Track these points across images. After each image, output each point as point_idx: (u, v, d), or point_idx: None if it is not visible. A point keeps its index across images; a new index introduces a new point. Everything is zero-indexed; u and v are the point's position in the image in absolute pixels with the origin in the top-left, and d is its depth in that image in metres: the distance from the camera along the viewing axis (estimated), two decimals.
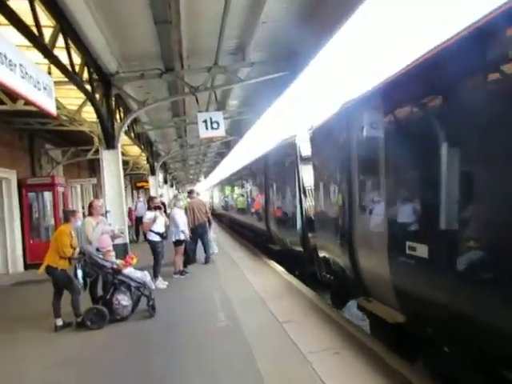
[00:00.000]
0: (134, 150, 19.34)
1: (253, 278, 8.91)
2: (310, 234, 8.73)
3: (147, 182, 20.68)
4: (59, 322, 6.43)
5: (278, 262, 10.51)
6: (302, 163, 9.07)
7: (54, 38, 5.21)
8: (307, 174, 8.57)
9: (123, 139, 15.92)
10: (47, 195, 13.93)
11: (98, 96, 7.92)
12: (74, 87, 7.74)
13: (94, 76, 7.85)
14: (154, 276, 8.83)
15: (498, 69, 3.06)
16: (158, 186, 17.94)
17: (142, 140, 14.56)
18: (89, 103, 7.93)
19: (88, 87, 7.35)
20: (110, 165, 8.20)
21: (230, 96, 12.01)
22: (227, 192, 24.88)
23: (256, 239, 14.60)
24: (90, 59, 7.05)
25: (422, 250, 3.87)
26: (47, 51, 4.91)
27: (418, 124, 4.15)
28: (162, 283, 8.88)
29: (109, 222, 7.99)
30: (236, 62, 8.67)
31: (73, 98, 9.23)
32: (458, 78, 3.39)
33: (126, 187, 33.60)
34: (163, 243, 9.09)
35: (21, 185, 12.87)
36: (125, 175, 29.62)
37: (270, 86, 11.32)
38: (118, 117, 9.16)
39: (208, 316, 6.47)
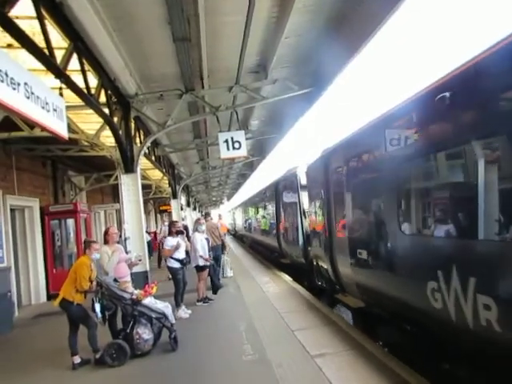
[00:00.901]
0: (156, 174, 19.22)
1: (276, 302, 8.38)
2: (309, 248, 10.47)
3: (170, 205, 20.47)
4: (77, 360, 6.02)
5: (289, 275, 12.40)
6: (302, 190, 11.03)
7: (66, 58, 4.97)
8: (306, 199, 10.51)
9: (144, 163, 15.85)
10: (70, 222, 13.79)
11: (116, 119, 7.70)
12: (93, 112, 7.59)
13: (113, 99, 7.65)
14: (176, 305, 8.41)
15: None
16: (179, 209, 17.67)
17: (163, 163, 14.36)
18: (107, 127, 7.69)
19: (106, 110, 7.12)
20: (130, 189, 7.87)
21: (252, 116, 11.70)
22: (246, 214, 27.42)
23: (271, 255, 16.97)
24: (106, 81, 6.83)
25: (363, 254, 6.25)
26: (58, 71, 4.64)
27: (362, 171, 6.53)
28: (184, 312, 8.42)
29: (128, 249, 7.64)
30: (258, 80, 8.36)
31: (94, 122, 9.07)
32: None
33: (149, 211, 34.07)
34: (184, 270, 8.66)
35: (43, 212, 12.75)
36: (148, 199, 30.22)
37: (293, 104, 10.99)
38: (137, 140, 8.92)
39: (233, 348, 5.96)
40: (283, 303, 8.67)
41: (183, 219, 19.86)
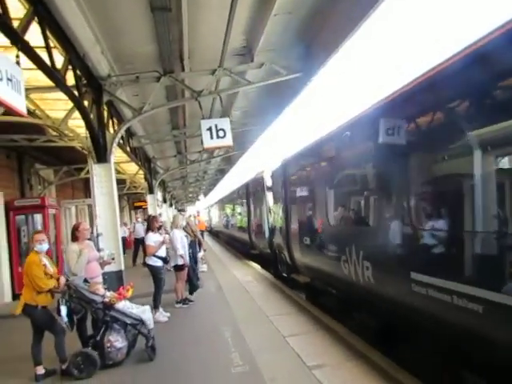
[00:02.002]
0: (131, 168, 18.36)
1: (261, 302, 7.84)
2: (273, 240, 12.01)
3: (145, 201, 19.60)
4: (40, 371, 5.29)
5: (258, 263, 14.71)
6: (267, 191, 12.83)
7: (25, 22, 4.21)
8: (271, 199, 12.58)
9: (119, 156, 14.98)
10: (37, 218, 12.84)
11: (86, 103, 6.92)
12: (62, 97, 6.80)
13: (83, 81, 6.87)
14: (154, 307, 7.72)
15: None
16: (156, 205, 16.85)
17: (139, 156, 13.55)
18: (76, 113, 6.90)
19: (75, 93, 6.34)
20: (102, 181, 7.08)
21: (232, 106, 11.03)
22: (221, 212, 29.69)
23: (243, 248, 19.15)
24: (75, 57, 6.03)
25: (307, 240, 8.20)
26: (15, 36, 3.91)
27: (305, 179, 8.67)
28: (162, 315, 7.76)
29: (101, 246, 6.90)
30: (243, 63, 7.72)
31: (61, 110, 8.24)
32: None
33: (123, 207, 32.89)
34: (165, 269, 8.00)
35: (8, 207, 11.77)
36: (122, 195, 29.10)
37: (278, 92, 10.42)
38: (110, 127, 8.12)
39: (220, 358, 5.37)
40: (270, 305, 8.13)
41: (160, 215, 19.07)
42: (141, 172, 17.07)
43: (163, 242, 7.79)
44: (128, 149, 11.53)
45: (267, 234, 12.68)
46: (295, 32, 7.16)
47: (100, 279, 6.13)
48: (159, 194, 23.97)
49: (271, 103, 11.48)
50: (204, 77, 7.75)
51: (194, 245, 11.19)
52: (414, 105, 4.66)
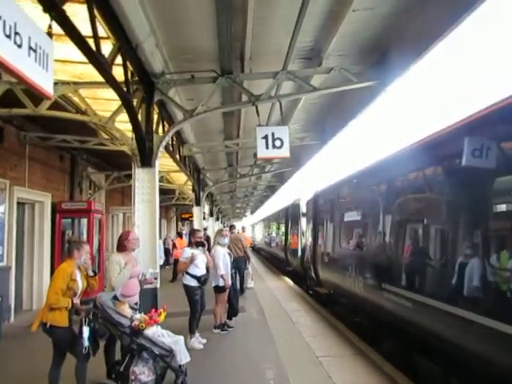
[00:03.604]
0: (181, 179, 18.02)
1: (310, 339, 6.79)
2: (304, 259, 13.88)
3: (192, 212, 19.15)
4: None
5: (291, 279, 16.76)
6: (302, 217, 15.03)
7: None
8: (304, 223, 14.71)
9: (169, 165, 14.59)
10: (83, 222, 12.63)
11: (135, 101, 6.37)
12: (115, 97, 6.27)
13: (135, 77, 6.33)
14: (190, 331, 6.92)
15: None
16: (202, 219, 16.28)
17: (188, 165, 13.05)
18: (124, 112, 6.33)
19: (124, 89, 5.78)
20: (145, 187, 6.42)
21: (290, 118, 10.18)
22: (263, 230, 32.90)
23: (279, 264, 21.37)
24: (125, 46, 5.46)
25: (326, 259, 10.37)
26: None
27: (327, 211, 10.89)
28: (198, 342, 6.92)
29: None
30: (309, 68, 6.89)
31: (108, 111, 7.79)
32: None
33: (171, 218, 32.97)
34: (203, 289, 7.19)
35: (55, 209, 11.60)
36: (171, 205, 29.13)
37: (341, 107, 9.50)
38: (159, 130, 7.55)
39: None
40: (320, 342, 7.06)
41: (205, 229, 18.50)
42: (189, 183, 16.62)
43: (192, 260, 6.93)
44: (178, 157, 11.00)
45: (300, 253, 14.74)
46: (373, 33, 6.25)
47: (136, 298, 5.41)
48: (206, 207, 23.54)
49: (332, 119, 10.57)
50: (264, 80, 6.98)
51: (244, 261, 11.96)
52: None
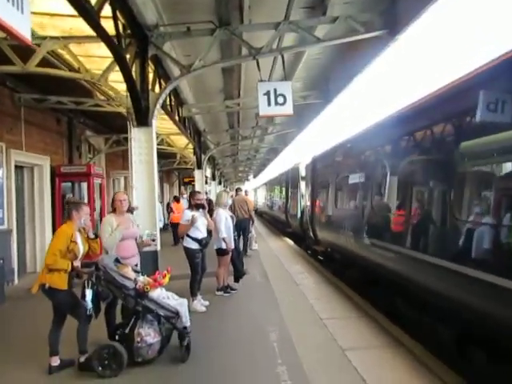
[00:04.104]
0: (181, 142, 17.67)
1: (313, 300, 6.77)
2: (303, 221, 14.58)
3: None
4: (55, 362, 4.56)
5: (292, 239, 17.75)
6: (301, 180, 15.55)
7: None
8: (303, 187, 15.25)
9: (168, 128, 14.24)
10: (84, 186, 12.48)
11: (128, 57, 6.00)
12: (109, 54, 5.89)
13: (127, 30, 5.94)
14: (192, 294, 6.90)
15: None
16: (204, 182, 16.08)
17: (188, 128, 12.71)
18: (117, 68, 5.97)
19: (116, 42, 5.41)
20: (142, 147, 6.15)
21: (291, 76, 9.69)
22: (265, 194, 33.67)
23: (280, 226, 22.47)
24: None
25: (322, 219, 11.46)
26: None
27: (324, 175, 11.70)
28: (200, 304, 6.90)
29: (137, 222, 6.09)
30: (313, 17, 6.45)
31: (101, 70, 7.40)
32: None
33: (173, 182, 32.84)
34: (204, 252, 7.11)
35: (54, 173, 11.43)
36: (172, 169, 28.88)
37: (345, 63, 9.05)
38: (156, 87, 7.19)
39: (262, 370, 4.38)
40: (324, 304, 7.04)
41: (207, 193, 18.37)
42: (190, 146, 16.30)
43: (193, 222, 6.80)
44: (177, 118, 10.66)
45: (299, 215, 15.45)
46: None
47: (135, 260, 5.32)
48: (208, 171, 23.33)
49: (337, 75, 10.12)
50: (265, 32, 6.55)
51: (249, 222, 12.39)
52: None
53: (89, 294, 4.52)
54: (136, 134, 6.22)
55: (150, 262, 6.12)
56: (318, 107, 12.38)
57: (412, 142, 6.04)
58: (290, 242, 17.26)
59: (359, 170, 8.35)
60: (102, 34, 4.79)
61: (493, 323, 4.15)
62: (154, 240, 5.34)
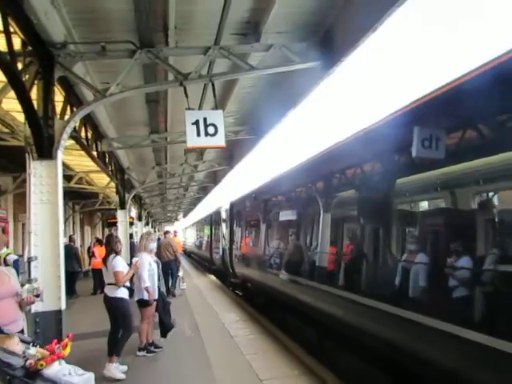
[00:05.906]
0: (103, 181, 16.31)
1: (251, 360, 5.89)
2: (224, 259, 15.99)
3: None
4: None
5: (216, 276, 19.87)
6: (223, 222, 17.16)
7: None
8: (224, 228, 16.67)
9: (87, 164, 12.94)
10: None
11: (27, 77, 4.99)
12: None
13: (28, 48, 4.98)
14: (109, 354, 5.78)
15: None
16: (128, 223, 14.70)
17: (109, 164, 11.57)
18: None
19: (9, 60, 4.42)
20: (43, 184, 5.03)
21: (227, 101, 9.11)
22: (193, 234, 35.71)
23: (206, 264, 24.35)
24: (10, 3, 4.15)
25: (238, 256, 13.64)
26: None
27: (240, 217, 14.12)
28: (118, 370, 5.73)
29: (33, 275, 4.88)
30: (246, 44, 5.99)
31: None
32: None
33: (96, 224, 30.53)
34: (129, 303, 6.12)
35: None
36: (95, 210, 26.84)
37: (278, 97, 8.73)
38: (66, 114, 6.13)
39: None
40: (263, 361, 6.20)
41: (131, 235, 17.01)
42: (113, 185, 15.00)
43: (136, 267, 6.32)
44: (95, 153, 9.56)
45: (221, 253, 16.96)
46: (316, 6, 5.51)
47: (18, 326, 4.09)
48: (134, 211, 21.87)
49: (269, 110, 9.77)
50: (194, 57, 5.95)
51: (175, 264, 12.98)
52: None
53: None
54: (37, 169, 5.08)
55: (50, 326, 4.88)
56: (249, 143, 11.95)
57: (295, 195, 8.72)
58: (214, 278, 19.64)
59: (262, 214, 10.71)
60: None
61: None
62: (38, 296, 4.19)
